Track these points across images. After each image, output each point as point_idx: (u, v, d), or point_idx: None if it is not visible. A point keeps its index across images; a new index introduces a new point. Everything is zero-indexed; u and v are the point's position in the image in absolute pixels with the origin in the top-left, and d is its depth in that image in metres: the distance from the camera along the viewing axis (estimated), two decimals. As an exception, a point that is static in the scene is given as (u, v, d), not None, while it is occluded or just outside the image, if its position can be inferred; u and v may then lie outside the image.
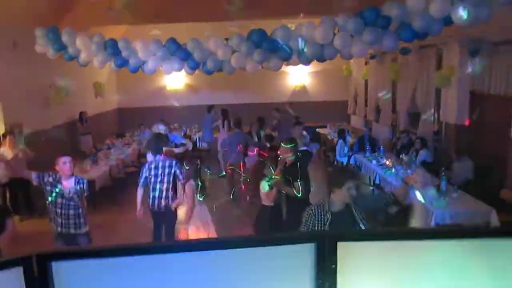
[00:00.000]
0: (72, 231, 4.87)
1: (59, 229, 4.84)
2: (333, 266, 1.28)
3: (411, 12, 4.81)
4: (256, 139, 9.58)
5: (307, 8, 7.34)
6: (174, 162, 5.71)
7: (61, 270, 1.20)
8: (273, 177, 4.98)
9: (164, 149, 6.13)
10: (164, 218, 5.73)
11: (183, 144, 9.31)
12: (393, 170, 7.94)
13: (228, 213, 7.70)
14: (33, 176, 4.86)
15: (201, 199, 5.36)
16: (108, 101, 14.01)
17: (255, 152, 8.56)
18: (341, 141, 9.54)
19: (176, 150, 8.07)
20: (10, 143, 7.58)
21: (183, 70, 6.80)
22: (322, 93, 15.28)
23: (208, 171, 6.15)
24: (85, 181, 5.06)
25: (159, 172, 5.64)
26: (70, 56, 6.98)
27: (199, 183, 5.35)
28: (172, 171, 5.64)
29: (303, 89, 15.39)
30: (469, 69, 8.27)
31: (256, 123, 10.12)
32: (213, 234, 5.42)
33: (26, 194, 8.04)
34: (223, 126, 10.87)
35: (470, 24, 4.66)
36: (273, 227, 5.24)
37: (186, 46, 6.21)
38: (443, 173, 6.67)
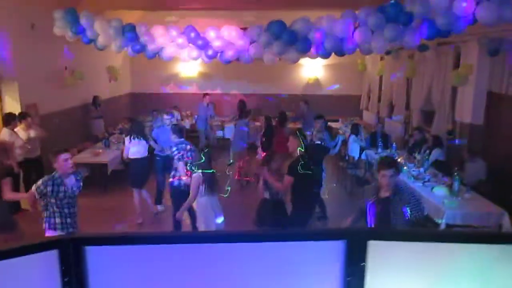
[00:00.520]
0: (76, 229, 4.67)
1: (70, 229, 4.56)
2: (363, 264, 1.28)
3: (435, 9, 4.74)
4: None
5: (327, 1, 7.27)
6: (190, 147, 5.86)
7: (95, 254, 1.22)
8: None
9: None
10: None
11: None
12: (405, 168, 7.89)
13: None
14: (35, 197, 4.52)
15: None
16: (121, 86, 14.06)
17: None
18: (353, 136, 9.48)
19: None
20: (26, 123, 7.65)
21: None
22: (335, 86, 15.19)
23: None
24: (82, 172, 4.93)
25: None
26: (88, 39, 7.01)
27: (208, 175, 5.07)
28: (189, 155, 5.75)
29: (317, 82, 15.30)
30: (488, 69, 8.18)
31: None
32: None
33: (39, 174, 8.14)
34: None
35: (494, 24, 4.60)
36: (274, 221, 5.19)
37: (205, 35, 6.20)
38: (456, 173, 6.63)
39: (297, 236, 1.34)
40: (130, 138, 7.03)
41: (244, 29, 6.16)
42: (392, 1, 4.92)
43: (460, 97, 9.05)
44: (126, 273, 1.27)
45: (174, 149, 5.99)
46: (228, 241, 1.29)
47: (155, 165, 7.69)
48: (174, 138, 6.13)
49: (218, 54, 6.30)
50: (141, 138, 6.98)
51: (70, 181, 4.49)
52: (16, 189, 7.51)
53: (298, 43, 5.51)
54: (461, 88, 8.86)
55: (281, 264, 1.33)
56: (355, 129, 9.66)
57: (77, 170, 4.78)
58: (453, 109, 9.37)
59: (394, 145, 9.42)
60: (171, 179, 6.06)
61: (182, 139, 6.17)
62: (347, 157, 9.68)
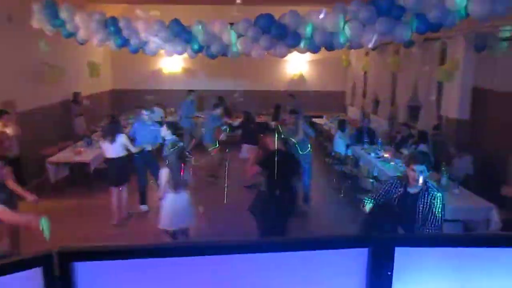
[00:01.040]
0: None
1: None
2: (389, 273, 1.16)
3: (427, 2, 4.67)
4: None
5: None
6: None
7: (85, 271, 1.07)
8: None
9: None
10: None
11: None
12: (392, 163, 7.87)
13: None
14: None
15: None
16: (102, 82, 13.73)
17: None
18: (340, 132, 9.42)
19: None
20: (3, 121, 7.35)
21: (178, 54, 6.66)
22: (319, 82, 15.14)
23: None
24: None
25: None
26: (68, 33, 6.74)
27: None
28: None
29: (301, 78, 15.23)
30: (473, 64, 8.21)
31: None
32: (189, 224, 5.15)
33: (18, 174, 7.86)
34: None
35: (485, 18, 4.55)
36: (265, 212, 5.33)
37: (190, 29, 6.01)
38: (443, 168, 6.62)
39: (315, 245, 1.21)
40: (104, 139, 6.97)
41: (231, 24, 5.99)
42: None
43: (446, 93, 9.07)
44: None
45: (169, 146, 5.90)
46: (240, 252, 1.15)
47: (134, 164, 7.48)
48: (168, 134, 6.09)
49: (204, 49, 6.12)
50: (113, 139, 6.78)
51: None
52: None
53: (287, 38, 5.38)
54: (447, 83, 8.87)
55: (299, 275, 1.19)
56: (342, 125, 9.60)
57: None
58: (439, 105, 9.39)
59: (380, 140, 9.40)
60: None
61: (174, 136, 6.18)
62: (333, 153, 9.62)
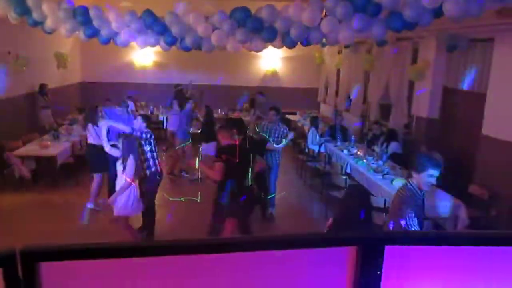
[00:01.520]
0: None
1: None
2: (378, 272, 1.10)
3: (403, 0, 4.69)
4: None
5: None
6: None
7: (51, 271, 0.96)
8: None
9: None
10: None
11: None
12: (364, 161, 7.94)
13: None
14: None
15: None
16: (71, 74, 13.31)
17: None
18: (313, 128, 9.45)
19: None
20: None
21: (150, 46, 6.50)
22: (293, 79, 15.16)
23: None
24: None
25: None
26: (34, 21, 6.45)
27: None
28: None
29: (274, 74, 15.21)
30: (444, 64, 8.36)
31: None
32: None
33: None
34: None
35: (460, 18, 4.61)
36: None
37: (164, 20, 5.85)
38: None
39: (303, 243, 1.14)
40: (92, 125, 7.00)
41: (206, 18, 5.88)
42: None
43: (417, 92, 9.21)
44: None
45: (144, 136, 5.89)
46: (223, 251, 1.07)
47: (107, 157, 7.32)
48: (144, 126, 6.03)
49: (178, 41, 5.97)
50: (96, 124, 6.79)
51: None
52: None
53: (263, 32, 5.31)
54: (418, 82, 9.01)
55: (284, 275, 1.12)
56: (315, 122, 9.63)
57: None
58: (410, 104, 9.53)
59: (353, 138, 9.49)
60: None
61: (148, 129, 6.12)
62: (306, 150, 9.64)
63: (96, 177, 7.15)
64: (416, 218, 3.45)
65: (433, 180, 3.58)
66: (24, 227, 6.20)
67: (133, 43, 6.60)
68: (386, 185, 6.68)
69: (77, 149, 9.04)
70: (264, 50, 6.39)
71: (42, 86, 10.69)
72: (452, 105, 8.45)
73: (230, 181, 4.99)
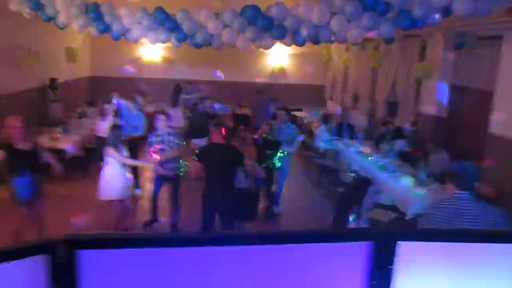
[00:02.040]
0: None
1: None
2: (390, 267, 1.18)
3: (411, -1, 4.73)
4: None
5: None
6: None
7: (90, 259, 1.05)
8: None
9: None
10: None
11: None
12: (371, 158, 7.99)
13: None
14: None
15: None
16: (80, 68, 13.44)
17: None
18: (323, 126, 9.47)
19: None
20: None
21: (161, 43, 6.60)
22: (300, 76, 15.19)
23: None
24: None
25: None
26: (47, 16, 6.55)
27: None
28: None
29: (281, 71, 15.24)
30: (452, 62, 8.37)
31: None
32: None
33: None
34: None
35: (468, 16, 4.64)
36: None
37: (175, 17, 5.92)
38: (422, 164, 6.76)
39: (319, 237, 1.22)
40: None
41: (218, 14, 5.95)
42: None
43: (424, 90, 9.22)
44: (124, 280, 1.10)
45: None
46: (243, 244, 1.15)
47: None
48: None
49: (189, 38, 6.05)
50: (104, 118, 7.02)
51: None
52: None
53: (273, 30, 5.37)
54: (425, 80, 9.02)
55: (302, 268, 1.20)
56: (326, 120, 9.66)
57: None
58: (417, 101, 9.55)
59: (359, 135, 9.52)
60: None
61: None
62: (314, 147, 9.69)
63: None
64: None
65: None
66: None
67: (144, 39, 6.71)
68: (393, 182, 6.73)
69: (86, 142, 9.15)
70: (272, 47, 6.48)
71: (52, 80, 10.82)
72: (460, 103, 8.47)
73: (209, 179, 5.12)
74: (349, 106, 12.81)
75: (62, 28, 6.88)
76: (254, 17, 5.38)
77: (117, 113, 7.85)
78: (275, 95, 12.14)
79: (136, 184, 7.74)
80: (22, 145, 4.90)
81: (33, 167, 5.03)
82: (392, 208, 6.24)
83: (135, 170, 7.67)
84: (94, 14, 6.27)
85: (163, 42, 6.36)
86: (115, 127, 5.89)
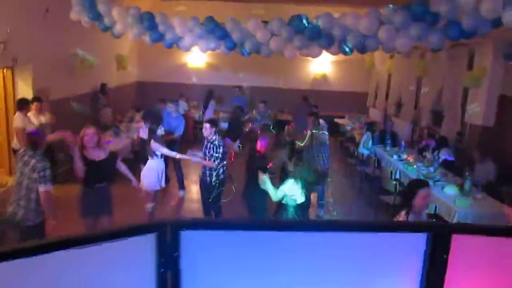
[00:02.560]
0: None
1: None
2: (445, 256, 1.30)
3: (461, 10, 4.74)
4: None
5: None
6: None
7: (189, 238, 1.25)
8: None
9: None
10: None
11: None
12: (414, 166, 7.94)
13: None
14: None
15: None
16: (128, 74, 14.02)
17: None
18: (369, 133, 9.47)
19: None
20: (36, 107, 7.63)
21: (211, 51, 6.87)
22: (342, 83, 15.21)
23: None
24: None
25: None
26: (105, 26, 6.98)
27: None
28: None
29: (324, 78, 15.31)
30: (501, 71, 8.21)
31: None
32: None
33: (50, 161, 8.10)
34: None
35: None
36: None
37: (225, 26, 6.18)
38: (467, 173, 6.68)
39: (379, 228, 1.36)
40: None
41: (265, 22, 6.15)
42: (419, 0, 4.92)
43: (472, 99, 9.07)
44: (220, 258, 1.30)
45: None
46: (314, 230, 1.31)
47: None
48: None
49: (238, 46, 6.29)
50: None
51: None
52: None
53: (321, 39, 5.51)
54: (473, 90, 8.89)
55: (362, 254, 1.35)
56: (372, 128, 9.66)
57: None
58: (463, 111, 9.39)
59: (403, 143, 9.45)
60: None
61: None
62: (355, 153, 9.71)
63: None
64: None
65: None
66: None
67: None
68: (437, 191, 6.67)
69: (135, 145, 9.56)
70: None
71: (103, 86, 11.37)
72: (508, 113, 8.29)
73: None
74: (392, 113, 12.72)
75: (117, 37, 7.29)
76: (302, 27, 5.54)
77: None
78: (318, 102, 12.23)
79: (181, 184, 8.03)
80: (97, 155, 4.83)
81: (106, 177, 4.95)
82: (435, 216, 6.21)
83: (180, 170, 8.01)
84: (149, 23, 6.61)
85: (213, 50, 6.62)
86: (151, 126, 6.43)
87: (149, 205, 7.03)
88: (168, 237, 1.24)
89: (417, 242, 1.32)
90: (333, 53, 6.15)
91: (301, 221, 1.33)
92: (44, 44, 8.30)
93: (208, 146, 5.97)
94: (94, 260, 1.23)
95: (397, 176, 8.20)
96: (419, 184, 3.84)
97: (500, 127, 8.45)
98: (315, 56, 6.05)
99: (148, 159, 7.34)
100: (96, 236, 1.25)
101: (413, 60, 11.34)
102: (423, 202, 3.66)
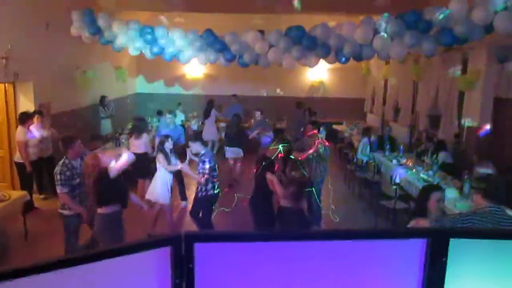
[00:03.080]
0: None
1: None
2: (444, 259, 1.37)
3: (453, 17, 4.85)
4: None
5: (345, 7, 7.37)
6: None
7: (203, 251, 1.33)
8: None
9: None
10: None
11: None
12: (413, 171, 8.01)
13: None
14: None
15: None
16: (127, 86, 14.13)
17: None
18: (366, 139, 9.55)
19: None
20: (38, 121, 7.70)
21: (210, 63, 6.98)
22: (339, 89, 15.33)
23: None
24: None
25: None
26: (106, 40, 7.08)
27: None
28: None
29: (321, 85, 15.43)
30: (495, 75, 8.31)
31: None
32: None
33: (51, 173, 8.17)
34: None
35: (511, 33, 4.72)
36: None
37: (224, 38, 6.28)
38: (466, 176, 6.75)
39: (378, 235, 1.44)
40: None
41: (261, 31, 6.25)
42: (412, 9, 5.02)
43: (467, 102, 9.18)
44: (233, 269, 1.37)
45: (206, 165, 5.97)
46: (314, 239, 1.39)
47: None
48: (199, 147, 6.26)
49: (236, 58, 6.39)
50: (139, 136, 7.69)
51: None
52: (29, 188, 7.60)
53: (318, 49, 5.62)
54: (468, 93, 8.99)
55: (362, 262, 1.42)
56: (368, 133, 9.74)
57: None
58: (460, 114, 9.49)
59: (401, 148, 9.52)
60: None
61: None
62: (355, 160, 9.77)
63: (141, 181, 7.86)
64: None
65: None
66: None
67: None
68: (437, 195, 6.75)
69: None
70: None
71: (103, 98, 11.46)
72: (504, 116, 8.38)
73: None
74: (389, 118, 12.82)
75: (118, 51, 7.39)
76: (299, 37, 5.65)
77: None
78: (315, 109, 12.33)
79: (183, 195, 8.10)
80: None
81: (119, 197, 4.67)
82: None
83: (182, 182, 8.06)
84: (149, 36, 6.72)
85: (213, 62, 6.72)
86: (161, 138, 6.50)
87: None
88: (183, 249, 1.31)
89: (416, 247, 1.40)
90: (329, 62, 6.26)
91: (309, 231, 1.39)
92: (45, 59, 8.40)
93: (199, 161, 6.09)
94: (112, 273, 1.31)
95: (397, 181, 8.28)
96: (432, 188, 3.92)
97: (496, 130, 8.54)
98: (312, 65, 6.16)
99: (146, 172, 7.47)
100: (113, 250, 1.33)
101: (408, 65, 11.45)
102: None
